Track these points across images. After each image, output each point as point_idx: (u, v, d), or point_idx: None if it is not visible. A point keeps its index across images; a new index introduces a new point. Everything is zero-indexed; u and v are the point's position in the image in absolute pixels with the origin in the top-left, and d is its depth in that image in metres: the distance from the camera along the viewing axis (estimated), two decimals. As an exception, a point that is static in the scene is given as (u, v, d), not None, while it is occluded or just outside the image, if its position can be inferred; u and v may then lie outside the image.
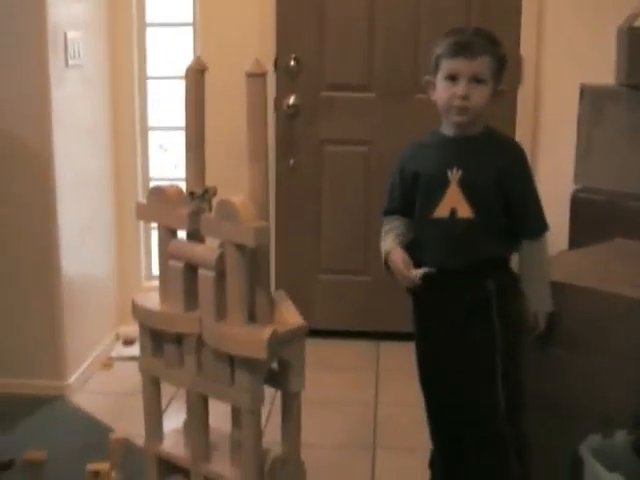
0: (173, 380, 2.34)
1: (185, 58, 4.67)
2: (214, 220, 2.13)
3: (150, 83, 4.92)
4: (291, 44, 4.73)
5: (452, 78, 2.72)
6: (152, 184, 4.84)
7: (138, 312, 2.32)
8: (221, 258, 2.13)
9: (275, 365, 2.24)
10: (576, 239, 3.81)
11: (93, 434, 3.84)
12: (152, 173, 5.02)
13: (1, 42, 3.89)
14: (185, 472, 2.36)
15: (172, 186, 2.28)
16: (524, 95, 4.65)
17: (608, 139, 3.87)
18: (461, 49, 2.71)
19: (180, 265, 2.20)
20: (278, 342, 2.09)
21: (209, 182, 2.33)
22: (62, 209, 4.09)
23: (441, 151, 2.84)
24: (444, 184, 2.79)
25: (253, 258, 2.12)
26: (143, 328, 2.32)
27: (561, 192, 3.94)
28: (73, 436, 3.84)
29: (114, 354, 4.73)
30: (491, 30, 2.84)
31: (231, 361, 2.14)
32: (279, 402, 2.46)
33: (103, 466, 3.37)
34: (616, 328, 2.92)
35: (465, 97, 2.70)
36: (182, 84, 4.59)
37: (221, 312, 2.13)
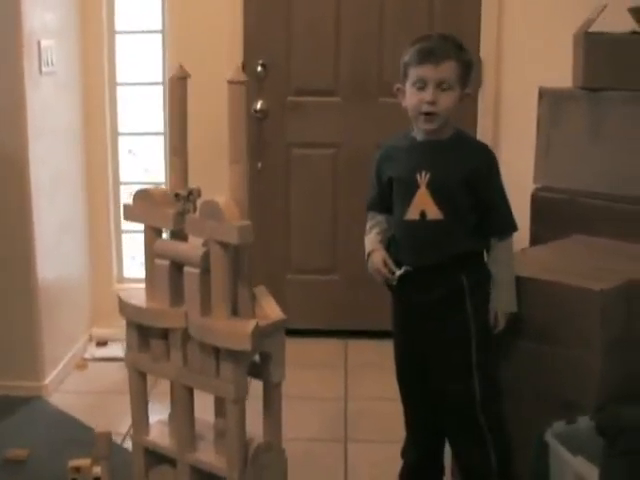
0: (159, 373, 2.44)
1: (154, 65, 4.79)
2: (199, 220, 2.24)
3: (120, 89, 5.00)
4: (258, 50, 4.81)
5: (420, 84, 2.78)
6: (122, 188, 4.95)
7: (125, 309, 2.42)
8: (206, 256, 2.24)
9: (257, 357, 2.35)
10: (537, 236, 3.88)
11: (72, 432, 3.92)
12: (122, 177, 5.09)
13: (-24, 51, 3.95)
14: (171, 462, 2.46)
15: (158, 188, 2.39)
16: (485, 97, 4.76)
17: (566, 140, 3.94)
18: (427, 55, 2.77)
19: (166, 263, 2.31)
20: (260, 335, 2.21)
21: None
22: (38, 211, 4.16)
23: (411, 155, 2.91)
24: (413, 187, 2.86)
25: (236, 255, 2.23)
26: (130, 324, 2.43)
27: (522, 191, 4.01)
28: (53, 434, 3.91)
29: (88, 355, 4.81)
30: (453, 34, 2.90)
31: (216, 353, 2.24)
32: (256, 393, 2.58)
33: (84, 462, 3.45)
34: (577, 319, 3.03)
35: (432, 103, 2.76)
36: (152, 90, 4.72)
37: (206, 307, 2.24)
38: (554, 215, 3.90)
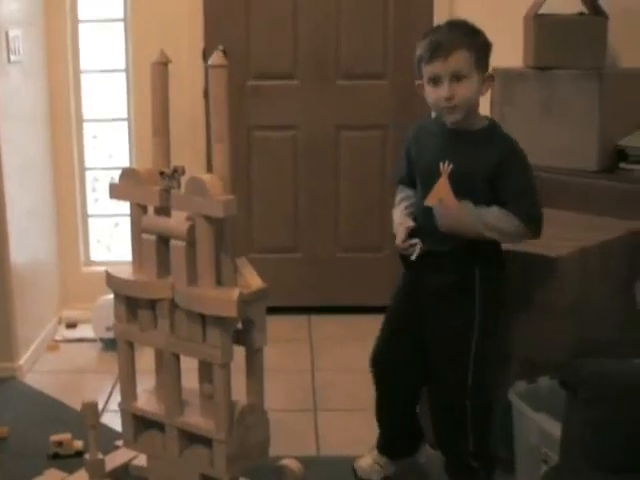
0: (147, 342, 2.57)
1: (117, 52, 4.89)
2: (184, 196, 2.38)
3: (84, 76, 5.09)
4: (219, 36, 4.91)
5: (434, 80, 2.76)
6: (87, 173, 5.06)
7: (113, 282, 2.55)
8: (191, 229, 2.37)
9: (239, 325, 2.49)
10: None
11: (49, 410, 4.03)
12: (87, 163, 5.18)
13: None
14: (159, 427, 2.60)
15: (143, 167, 2.52)
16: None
17: (519, 117, 4.10)
18: (435, 50, 2.74)
19: (153, 238, 2.45)
20: (243, 302, 2.35)
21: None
22: (9, 196, 4.24)
23: (439, 141, 2.90)
24: (435, 175, 2.86)
25: (219, 229, 2.38)
26: (118, 297, 2.55)
27: None
28: (31, 412, 4.00)
29: (59, 337, 4.90)
30: (464, 20, 2.89)
31: (202, 321, 2.38)
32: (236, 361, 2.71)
33: (65, 436, 3.58)
34: (537, 284, 3.20)
35: (450, 98, 2.75)
36: (115, 77, 4.81)
37: (192, 277, 2.38)
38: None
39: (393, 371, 3.17)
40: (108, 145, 5.37)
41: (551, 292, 3.19)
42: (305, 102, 5.02)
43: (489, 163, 2.80)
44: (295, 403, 4.10)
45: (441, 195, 2.85)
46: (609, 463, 2.28)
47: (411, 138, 3.03)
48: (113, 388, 4.05)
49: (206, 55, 4.86)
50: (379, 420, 3.35)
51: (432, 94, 2.79)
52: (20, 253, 4.39)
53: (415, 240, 2.93)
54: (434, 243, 2.92)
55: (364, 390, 3.60)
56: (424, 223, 2.94)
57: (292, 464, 2.84)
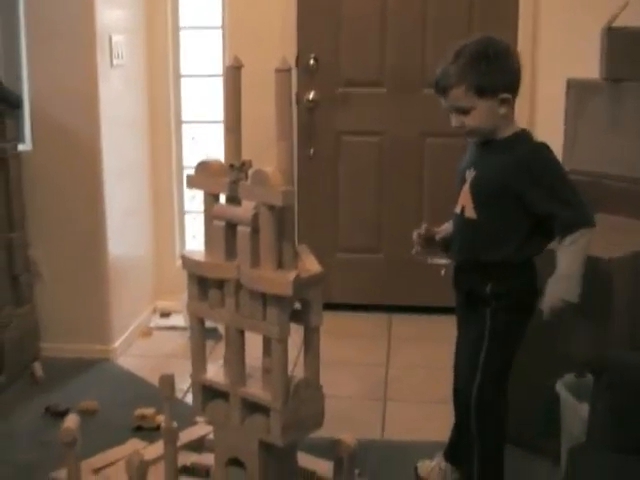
0: (216, 318, 2.83)
1: (214, 58, 5.16)
2: (250, 186, 2.63)
3: (183, 81, 5.40)
4: (310, 45, 5.19)
5: (449, 111, 2.89)
6: (185, 172, 5.34)
7: (187, 263, 2.81)
8: (256, 217, 2.62)
9: (298, 305, 2.73)
10: None
11: (137, 389, 4.35)
12: (185, 162, 5.49)
13: (55, 44, 4.37)
14: (225, 396, 2.85)
15: (215, 160, 2.79)
16: (521, 88, 5.08)
17: (591, 127, 4.23)
18: (435, 88, 2.88)
19: (222, 224, 2.71)
20: (301, 284, 2.59)
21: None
22: (108, 194, 4.56)
23: (471, 151, 2.99)
24: (463, 182, 2.95)
25: (281, 217, 2.62)
26: (191, 277, 2.82)
27: None
28: (120, 391, 4.33)
29: (152, 324, 5.22)
30: (479, 41, 2.86)
31: (263, 300, 2.62)
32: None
33: (149, 411, 3.88)
34: (589, 286, 3.34)
35: (460, 127, 2.86)
36: (213, 81, 5.08)
37: (255, 260, 2.63)
38: (581, 196, 4.20)
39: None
40: (206, 146, 5.65)
41: (603, 294, 3.33)
42: (391, 109, 5.24)
43: (506, 168, 2.82)
44: (366, 393, 4.32)
45: (463, 202, 2.94)
46: (629, 446, 2.45)
47: (463, 156, 3.09)
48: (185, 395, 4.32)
49: (298, 63, 5.12)
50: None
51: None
52: (117, 247, 4.70)
53: (440, 260, 3.11)
54: (456, 254, 3.04)
55: (434, 385, 3.82)
56: (453, 231, 3.05)
57: (347, 438, 3.05)
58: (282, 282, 2.57)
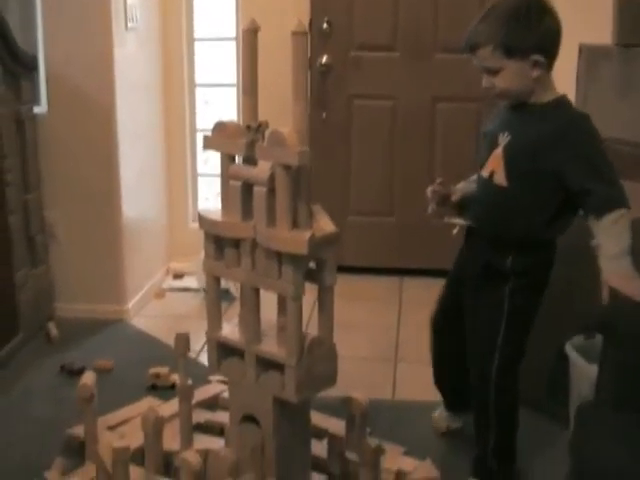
0: (231, 277, 2.87)
1: (228, 21, 5.18)
2: (266, 147, 2.67)
3: (197, 44, 5.42)
4: (324, 8, 5.21)
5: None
6: (198, 135, 5.38)
7: (204, 223, 2.85)
8: (272, 177, 2.66)
9: (313, 265, 2.77)
10: None
11: (152, 348, 4.41)
12: (198, 125, 5.52)
13: (70, 6, 4.39)
14: (240, 354, 2.90)
15: (232, 121, 2.83)
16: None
17: (602, 92, 4.26)
18: (465, 47, 2.79)
19: (238, 184, 2.75)
20: (316, 243, 2.63)
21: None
22: (123, 157, 4.60)
23: (504, 114, 2.88)
24: (493, 145, 2.84)
25: (297, 177, 2.66)
26: (208, 236, 2.85)
27: None
28: (134, 350, 4.39)
29: (165, 285, 5.28)
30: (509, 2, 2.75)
31: (279, 258, 2.66)
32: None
33: (163, 370, 3.94)
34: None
35: (489, 88, 2.78)
36: (226, 45, 5.10)
37: (271, 220, 2.67)
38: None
39: (448, 328, 3.29)
40: (219, 109, 5.68)
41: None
42: (404, 74, 5.26)
43: (543, 137, 2.71)
44: (377, 353, 4.40)
45: (493, 167, 2.84)
46: (634, 403, 2.50)
47: (491, 117, 3.02)
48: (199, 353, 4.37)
49: (311, 27, 5.14)
50: (436, 378, 3.49)
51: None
52: (131, 209, 4.75)
53: (458, 220, 3.02)
54: (476, 217, 2.95)
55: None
56: (477, 194, 2.96)
57: (358, 396, 3.11)
58: (297, 241, 2.62)
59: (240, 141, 2.74)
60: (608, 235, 2.67)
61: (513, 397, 3.04)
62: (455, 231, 3.05)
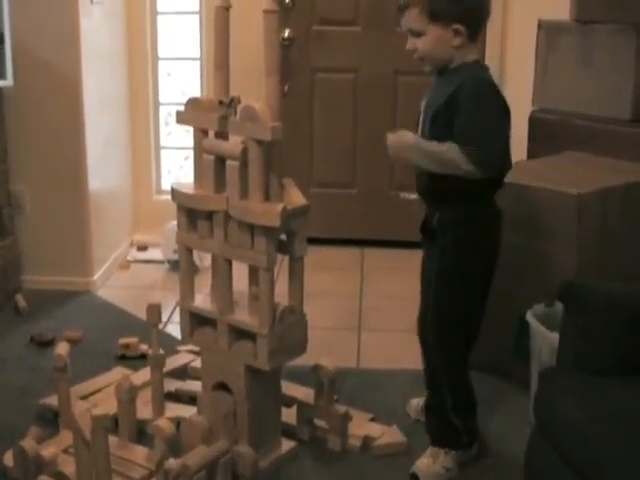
0: (204, 248, 2.95)
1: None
2: (239, 122, 2.74)
3: (160, 18, 5.46)
4: (287, -18, 5.20)
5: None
6: (161, 108, 5.42)
7: (177, 195, 2.92)
8: (244, 151, 2.73)
9: (283, 236, 2.86)
10: (533, 152, 4.27)
11: (119, 319, 4.47)
12: (161, 98, 5.56)
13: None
14: (212, 323, 2.98)
15: (205, 97, 2.90)
16: (492, 28, 5.16)
17: (561, 68, 4.34)
18: (398, 7, 2.85)
19: (211, 158, 2.82)
20: (287, 215, 2.72)
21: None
22: (89, 128, 4.64)
23: (432, 81, 2.97)
24: (420, 112, 2.98)
25: (269, 151, 2.74)
26: (180, 208, 2.92)
27: (521, 113, 4.44)
28: (102, 321, 4.44)
29: (130, 257, 5.33)
30: None
31: (251, 230, 2.74)
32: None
33: (132, 340, 3.99)
34: (558, 219, 3.51)
35: (412, 51, 2.84)
36: (188, 18, 5.12)
37: (244, 193, 2.74)
38: (549, 134, 4.31)
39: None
40: (181, 82, 5.72)
41: (570, 226, 3.49)
42: (365, 47, 5.33)
43: (445, 98, 2.79)
44: (342, 322, 4.49)
45: (418, 131, 2.95)
46: (595, 366, 2.61)
47: None
48: (177, 303, 4.42)
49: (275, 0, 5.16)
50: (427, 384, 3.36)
51: None
52: (97, 180, 4.79)
53: (412, 195, 3.10)
54: (416, 184, 3.01)
55: (405, 315, 3.93)
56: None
57: (326, 364, 3.20)
58: (270, 213, 2.70)
59: (212, 116, 2.81)
60: (439, 145, 2.77)
61: (452, 354, 3.05)
62: (414, 207, 3.15)
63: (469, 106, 2.74)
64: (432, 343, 3.06)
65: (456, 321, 3.00)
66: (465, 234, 2.91)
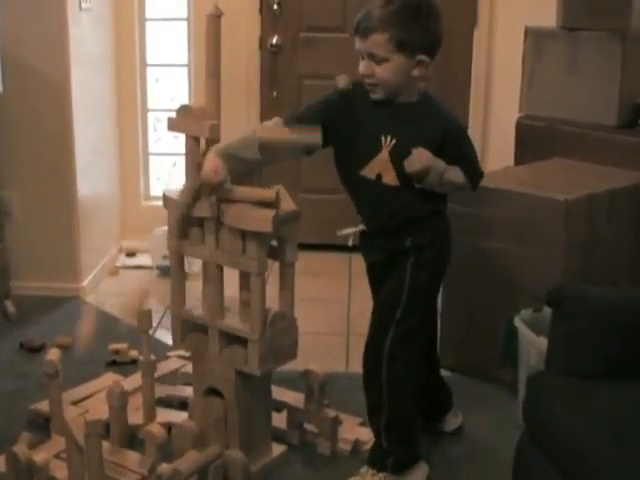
0: (196, 254, 2.96)
1: (179, 3, 5.24)
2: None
3: (148, 24, 5.48)
4: (274, -10, 5.23)
5: (360, 55, 2.79)
6: (150, 114, 5.43)
7: (169, 203, 2.94)
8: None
9: (274, 243, 2.88)
10: (520, 158, 4.31)
11: (108, 325, 4.49)
12: (150, 104, 5.58)
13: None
14: (203, 329, 3.00)
15: (197, 104, 2.93)
16: (479, 35, 5.23)
17: (547, 74, 4.38)
18: (356, 27, 2.75)
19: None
20: (279, 221, 2.74)
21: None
22: (77, 134, 4.65)
23: (379, 112, 2.83)
24: (376, 148, 2.82)
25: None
26: (172, 215, 2.95)
27: (508, 119, 4.48)
28: (91, 326, 4.47)
29: (119, 263, 5.35)
30: None
31: (243, 236, 2.76)
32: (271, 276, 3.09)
33: (122, 346, 4.01)
34: (545, 225, 3.54)
35: (368, 75, 2.76)
36: (177, 25, 5.15)
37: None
38: (535, 140, 4.35)
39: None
40: (170, 88, 5.74)
41: (557, 232, 3.53)
42: (353, 54, 5.30)
43: (430, 139, 2.81)
44: (331, 328, 4.52)
45: (380, 169, 2.84)
46: (583, 370, 2.64)
47: (353, 97, 2.90)
48: (166, 309, 4.44)
49: (262, 8, 5.22)
50: None
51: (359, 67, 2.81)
52: (85, 186, 4.81)
53: (348, 230, 3.13)
54: (373, 218, 3.01)
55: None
56: (362, 195, 2.99)
57: (316, 369, 3.23)
58: (262, 219, 2.72)
59: (205, 123, 2.83)
60: (457, 173, 2.89)
61: (405, 369, 2.98)
62: (350, 242, 3.17)
63: (464, 142, 2.92)
64: (387, 355, 2.98)
65: (416, 332, 3.01)
66: (439, 248, 2.98)
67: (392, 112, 2.82)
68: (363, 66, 2.78)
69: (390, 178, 2.83)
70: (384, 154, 2.82)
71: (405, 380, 2.99)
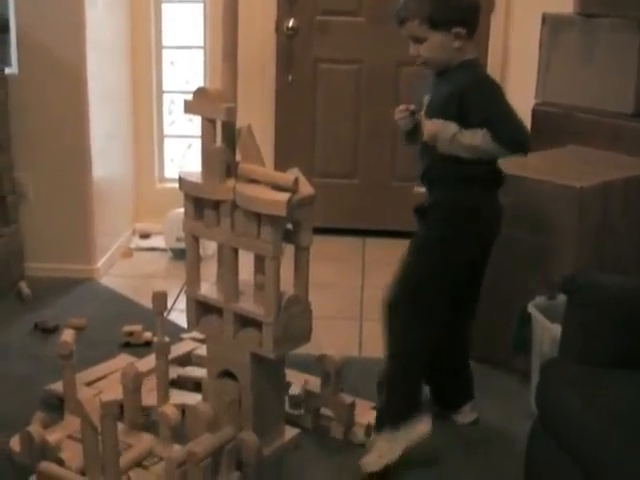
0: (211, 237, 2.96)
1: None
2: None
3: (164, 6, 5.48)
4: (290, -27, 5.23)
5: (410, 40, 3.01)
6: (165, 96, 5.43)
7: (185, 185, 2.94)
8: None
9: (290, 226, 2.88)
10: (536, 146, 4.29)
11: (122, 307, 4.50)
12: (165, 87, 5.59)
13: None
14: (218, 312, 3.01)
15: (212, 87, 2.92)
16: (496, 21, 5.21)
17: (564, 61, 4.36)
18: (396, 18, 3.00)
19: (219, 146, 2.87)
20: (294, 205, 2.74)
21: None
22: (92, 116, 4.66)
23: (430, 81, 3.09)
24: (421, 106, 3.09)
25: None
26: (187, 197, 2.95)
27: (524, 106, 4.46)
28: (105, 308, 4.48)
29: (133, 245, 5.36)
30: None
31: (258, 219, 2.77)
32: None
33: (136, 327, 4.03)
34: (560, 212, 3.54)
35: (415, 56, 2.99)
36: (192, 7, 5.14)
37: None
38: (551, 127, 4.33)
39: None
40: (185, 71, 5.74)
41: (572, 219, 3.53)
42: (368, 38, 5.35)
43: (449, 96, 2.96)
44: (344, 313, 4.52)
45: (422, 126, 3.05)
46: (597, 358, 2.64)
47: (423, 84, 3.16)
48: (180, 291, 4.46)
49: (278, -9, 5.20)
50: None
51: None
52: (100, 169, 4.82)
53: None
54: (420, 179, 3.16)
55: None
56: (419, 157, 3.15)
57: (333, 354, 3.24)
58: (277, 203, 2.72)
59: (221, 105, 2.83)
60: (475, 133, 2.94)
61: (404, 323, 3.12)
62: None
63: (486, 99, 2.97)
64: (392, 304, 3.16)
65: (414, 295, 3.11)
66: (453, 212, 3.07)
67: (439, 78, 3.05)
68: (411, 49, 3.00)
69: (423, 134, 3.03)
70: (422, 113, 3.07)
71: (405, 335, 3.11)
